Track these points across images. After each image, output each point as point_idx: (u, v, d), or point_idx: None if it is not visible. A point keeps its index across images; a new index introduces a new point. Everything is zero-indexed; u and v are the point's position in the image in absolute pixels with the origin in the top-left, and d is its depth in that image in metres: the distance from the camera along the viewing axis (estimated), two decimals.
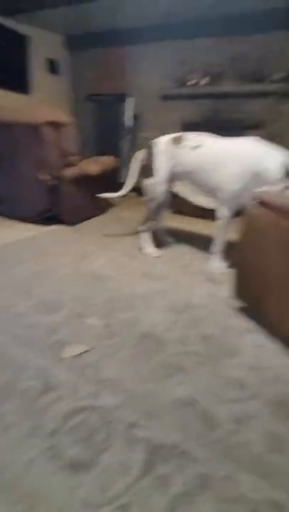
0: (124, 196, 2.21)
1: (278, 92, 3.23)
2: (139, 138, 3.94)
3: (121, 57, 3.88)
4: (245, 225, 1.22)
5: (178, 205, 3.12)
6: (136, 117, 3.96)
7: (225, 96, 3.49)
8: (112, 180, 2.93)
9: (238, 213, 1.60)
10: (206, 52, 3.51)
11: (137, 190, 2.13)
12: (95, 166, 2.67)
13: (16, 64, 3.53)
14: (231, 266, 1.65)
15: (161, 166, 1.86)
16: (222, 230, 1.79)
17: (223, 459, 0.75)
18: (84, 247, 2.12)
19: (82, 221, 2.67)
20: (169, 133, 1.94)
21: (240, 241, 1.30)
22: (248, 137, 1.71)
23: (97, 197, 2.28)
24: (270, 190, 1.31)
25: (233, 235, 1.55)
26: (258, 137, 1.69)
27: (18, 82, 3.57)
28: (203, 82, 3.48)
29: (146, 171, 1.92)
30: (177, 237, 2.36)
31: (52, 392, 0.92)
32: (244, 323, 1.32)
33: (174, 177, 1.93)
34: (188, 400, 0.91)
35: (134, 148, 3.56)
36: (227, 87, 3.39)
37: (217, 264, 1.83)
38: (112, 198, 2.26)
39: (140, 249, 2.05)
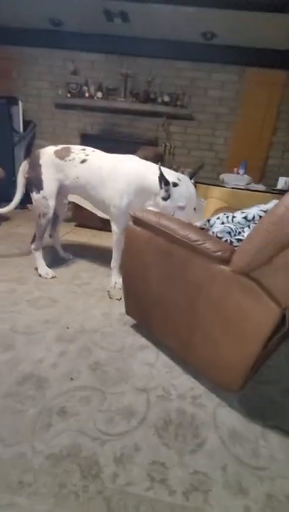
0: (14, 209, 1.98)
1: (167, 113, 3.49)
2: (36, 146, 3.72)
3: (9, 56, 3.60)
4: (126, 242, 1.22)
5: (81, 217, 3.02)
6: (29, 123, 3.72)
7: (120, 111, 3.57)
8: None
9: None
10: (99, 67, 3.54)
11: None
12: None
13: None
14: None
15: (46, 179, 1.74)
16: (117, 245, 1.77)
17: None
18: None
19: None
20: (67, 143, 1.83)
21: (123, 258, 1.29)
22: (127, 155, 1.73)
23: None
24: (152, 210, 1.34)
25: None
26: (133, 155, 1.73)
27: None
28: (97, 95, 3.49)
29: (32, 184, 1.77)
30: (78, 252, 2.25)
31: None
32: (137, 340, 1.31)
33: (63, 191, 1.83)
34: (68, 451, 0.82)
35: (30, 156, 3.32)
36: (121, 103, 3.48)
37: (116, 279, 1.80)
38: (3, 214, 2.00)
39: (36, 269, 1.87)
